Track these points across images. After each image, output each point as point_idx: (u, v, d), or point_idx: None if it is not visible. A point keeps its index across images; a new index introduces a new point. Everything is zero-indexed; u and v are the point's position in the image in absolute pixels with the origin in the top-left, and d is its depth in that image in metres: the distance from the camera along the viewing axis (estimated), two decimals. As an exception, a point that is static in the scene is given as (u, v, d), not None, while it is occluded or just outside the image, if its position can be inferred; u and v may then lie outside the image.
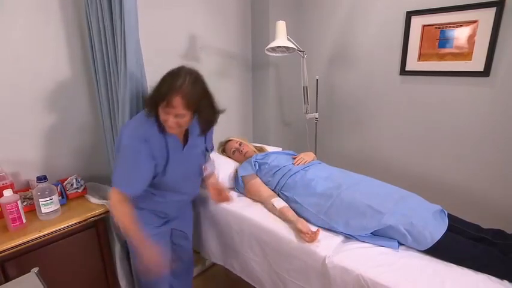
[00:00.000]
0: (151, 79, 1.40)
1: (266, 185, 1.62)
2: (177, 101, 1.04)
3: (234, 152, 1.84)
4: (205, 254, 1.72)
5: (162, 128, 1.14)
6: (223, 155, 1.91)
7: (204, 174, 1.41)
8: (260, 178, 1.65)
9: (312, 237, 1.24)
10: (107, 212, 1.38)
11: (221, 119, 2.31)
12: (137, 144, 1.11)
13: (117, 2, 1.24)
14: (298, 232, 1.29)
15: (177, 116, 1.07)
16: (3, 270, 1.15)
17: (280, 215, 1.43)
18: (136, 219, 1.14)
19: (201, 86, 1.12)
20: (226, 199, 1.42)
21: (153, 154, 1.15)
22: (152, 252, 1.12)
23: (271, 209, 1.48)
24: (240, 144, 1.85)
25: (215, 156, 1.86)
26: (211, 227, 1.64)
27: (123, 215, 1.12)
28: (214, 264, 2.12)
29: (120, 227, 1.15)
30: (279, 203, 1.46)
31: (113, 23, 1.31)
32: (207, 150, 1.43)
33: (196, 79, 1.10)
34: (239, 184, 1.67)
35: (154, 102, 1.08)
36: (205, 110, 1.15)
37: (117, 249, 1.47)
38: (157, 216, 1.33)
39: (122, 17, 1.23)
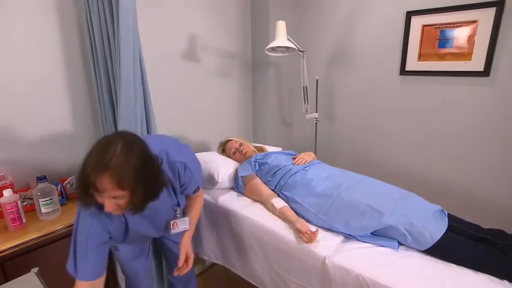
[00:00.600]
0: (152, 80, 1.41)
1: (266, 184, 1.62)
2: (105, 182, 0.81)
3: (234, 152, 1.84)
4: (204, 254, 1.72)
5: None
6: (223, 155, 1.91)
7: (173, 232, 1.17)
8: (260, 178, 1.65)
9: (311, 237, 1.24)
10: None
11: (221, 119, 2.33)
12: (94, 226, 0.98)
13: (114, 1, 1.24)
14: (298, 232, 1.29)
15: (113, 198, 0.86)
16: (3, 270, 1.15)
17: (280, 214, 1.43)
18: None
19: (138, 155, 0.87)
20: (188, 268, 1.18)
21: (111, 227, 1.02)
22: None
23: (271, 209, 1.48)
24: (240, 145, 1.85)
25: (215, 156, 1.86)
26: (211, 227, 1.64)
27: None
28: (214, 264, 2.12)
29: None
30: (278, 203, 1.46)
31: (113, 21, 1.30)
32: (179, 205, 1.20)
33: (130, 147, 0.86)
34: (239, 184, 1.67)
35: (83, 187, 0.84)
36: (147, 184, 0.89)
37: (117, 249, 1.47)
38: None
39: (118, 14, 1.23)
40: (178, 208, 1.19)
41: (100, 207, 0.91)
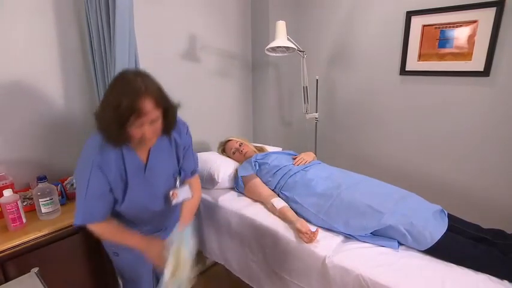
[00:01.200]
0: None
1: (266, 185, 1.62)
2: (148, 105, 0.89)
3: (234, 152, 1.84)
4: (206, 253, 1.72)
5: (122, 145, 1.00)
6: (223, 155, 1.91)
7: (174, 202, 1.15)
8: (260, 178, 1.65)
9: (311, 238, 1.24)
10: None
11: (221, 119, 2.33)
12: (93, 176, 0.98)
13: (111, 1, 1.24)
14: (298, 232, 1.29)
15: (151, 122, 0.93)
16: (3, 270, 1.15)
17: (280, 214, 1.43)
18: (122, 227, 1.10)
19: (154, 79, 0.97)
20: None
21: (109, 181, 1.02)
22: (156, 248, 1.06)
23: (271, 209, 1.48)
24: (240, 145, 1.85)
25: (215, 156, 1.86)
26: (211, 227, 1.64)
27: (106, 234, 1.09)
28: (214, 264, 2.12)
29: (112, 242, 1.14)
30: (278, 202, 1.46)
31: (109, 20, 1.30)
32: (183, 172, 1.21)
33: (147, 75, 0.96)
34: (239, 184, 1.67)
35: (119, 122, 0.89)
36: (169, 104, 1.00)
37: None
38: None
39: (114, 14, 1.23)
40: (178, 177, 1.18)
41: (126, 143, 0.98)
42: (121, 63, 1.30)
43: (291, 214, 1.40)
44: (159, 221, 1.25)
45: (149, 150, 1.09)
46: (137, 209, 1.12)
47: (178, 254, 1.05)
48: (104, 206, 1.05)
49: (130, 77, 0.91)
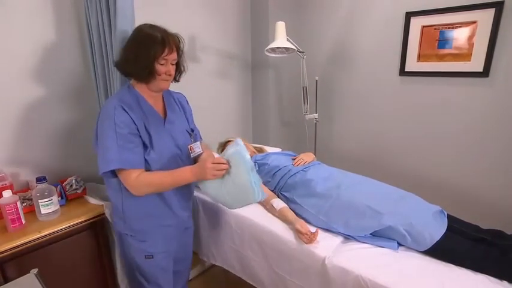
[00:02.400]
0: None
1: (265, 185, 1.61)
2: (175, 44, 1.09)
3: (233, 152, 1.84)
4: (203, 255, 1.72)
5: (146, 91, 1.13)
6: (223, 155, 1.91)
7: (192, 155, 1.25)
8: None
9: (311, 238, 1.24)
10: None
11: (221, 119, 2.33)
12: (118, 114, 1.04)
13: (112, 3, 1.24)
14: (297, 233, 1.29)
15: (172, 62, 1.11)
16: (2, 271, 1.15)
17: (280, 215, 1.43)
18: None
19: None
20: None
21: (134, 120, 1.08)
22: (213, 166, 1.07)
23: (271, 210, 1.48)
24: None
25: (214, 156, 1.86)
26: (210, 228, 1.64)
27: (154, 179, 1.08)
28: (213, 265, 2.12)
29: (162, 189, 1.13)
30: (278, 203, 1.46)
31: (110, 21, 1.30)
32: (193, 131, 1.33)
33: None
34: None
35: (152, 58, 1.04)
36: (182, 52, 1.17)
37: (117, 250, 1.47)
38: (170, 232, 1.27)
39: (116, 14, 1.22)
40: (192, 133, 1.30)
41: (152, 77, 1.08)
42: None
43: (290, 215, 1.40)
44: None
45: (164, 107, 1.22)
46: (167, 158, 1.16)
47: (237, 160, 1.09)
48: (138, 150, 1.07)
49: (154, 26, 1.09)
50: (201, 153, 1.28)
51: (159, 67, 1.07)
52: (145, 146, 1.10)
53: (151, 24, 1.10)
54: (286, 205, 1.46)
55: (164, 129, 1.18)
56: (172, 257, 1.30)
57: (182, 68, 1.22)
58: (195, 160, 1.27)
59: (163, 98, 1.23)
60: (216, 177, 1.09)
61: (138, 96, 1.13)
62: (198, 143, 1.29)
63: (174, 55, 1.10)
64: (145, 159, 1.10)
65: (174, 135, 1.20)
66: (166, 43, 1.05)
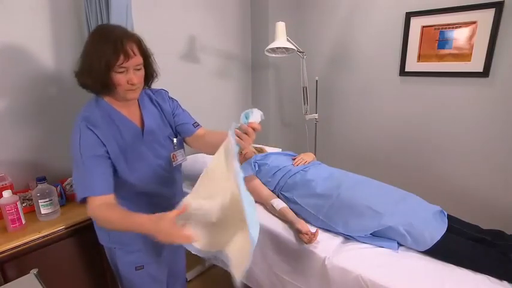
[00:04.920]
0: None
1: (266, 185, 1.61)
2: (133, 48, 0.92)
3: (233, 152, 1.84)
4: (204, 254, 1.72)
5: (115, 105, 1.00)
6: (223, 155, 1.91)
7: (174, 164, 1.15)
8: (260, 179, 1.65)
9: (311, 238, 1.24)
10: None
11: (220, 119, 2.33)
12: (83, 134, 0.94)
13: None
14: (298, 233, 1.29)
15: (135, 68, 0.95)
16: (2, 272, 1.14)
17: (280, 215, 1.43)
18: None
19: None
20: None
21: (104, 141, 0.96)
22: (171, 226, 0.84)
23: (271, 209, 1.48)
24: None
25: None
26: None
27: (112, 217, 0.91)
28: (213, 266, 2.11)
29: (117, 229, 0.97)
30: (278, 203, 1.46)
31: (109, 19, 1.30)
32: (176, 136, 1.18)
33: (125, 27, 1.00)
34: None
35: (104, 68, 0.89)
36: (149, 53, 1.02)
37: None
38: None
39: (110, 13, 1.23)
40: (175, 139, 1.16)
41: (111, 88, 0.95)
42: None
43: (290, 215, 1.39)
44: (169, 187, 1.18)
45: (141, 115, 1.08)
46: (147, 173, 1.06)
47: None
48: (104, 174, 0.95)
49: (110, 27, 0.97)
50: (185, 161, 1.19)
51: (117, 77, 0.92)
52: (119, 166, 0.99)
53: (106, 25, 0.98)
54: (286, 205, 1.46)
55: (143, 141, 1.06)
56: (165, 264, 1.23)
57: (152, 74, 1.07)
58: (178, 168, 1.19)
59: (139, 104, 1.09)
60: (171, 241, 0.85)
61: (108, 108, 1.00)
62: (182, 150, 1.19)
63: (136, 60, 0.94)
64: (123, 178, 1.01)
65: (156, 146, 1.10)
66: (119, 49, 0.89)
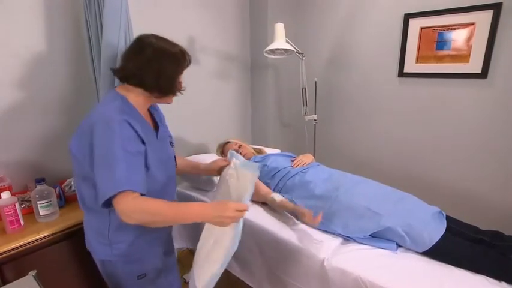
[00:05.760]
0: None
1: (265, 186, 1.62)
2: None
3: (232, 153, 1.84)
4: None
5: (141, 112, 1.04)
6: (222, 156, 1.91)
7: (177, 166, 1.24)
8: (259, 180, 1.65)
9: (315, 219, 1.25)
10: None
11: (220, 120, 2.33)
12: (125, 129, 0.92)
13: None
14: (300, 214, 1.31)
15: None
16: (1, 273, 1.14)
17: (280, 206, 1.44)
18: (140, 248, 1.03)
19: None
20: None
21: (144, 139, 0.98)
22: (233, 213, 0.91)
23: (271, 202, 1.48)
24: (239, 146, 1.85)
25: (214, 158, 1.85)
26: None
27: (153, 206, 0.89)
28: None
29: (161, 220, 0.92)
30: (278, 196, 1.47)
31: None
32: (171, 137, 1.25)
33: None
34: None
35: (177, 74, 1.04)
36: None
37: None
38: (159, 244, 1.16)
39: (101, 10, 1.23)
40: (173, 142, 1.24)
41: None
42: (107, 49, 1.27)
43: (290, 205, 1.41)
44: (174, 188, 1.21)
45: (153, 118, 1.14)
46: (161, 175, 1.06)
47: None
48: (143, 169, 0.94)
49: (163, 39, 1.05)
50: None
51: (179, 82, 1.07)
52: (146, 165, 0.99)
53: (159, 36, 1.05)
54: (285, 199, 1.47)
55: (157, 142, 1.09)
56: (163, 263, 1.18)
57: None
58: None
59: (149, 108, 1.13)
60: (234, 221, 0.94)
61: (133, 108, 1.02)
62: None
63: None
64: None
65: (165, 147, 1.16)
66: (187, 57, 1.06)
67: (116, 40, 1.26)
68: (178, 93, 1.08)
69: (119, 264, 1.07)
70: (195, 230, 1.66)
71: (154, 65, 0.99)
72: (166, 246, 1.22)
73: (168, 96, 1.07)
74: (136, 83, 1.01)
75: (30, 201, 1.33)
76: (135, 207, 0.87)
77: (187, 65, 1.07)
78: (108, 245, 1.04)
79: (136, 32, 1.37)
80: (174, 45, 1.05)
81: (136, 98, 1.03)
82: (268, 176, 1.63)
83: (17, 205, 1.20)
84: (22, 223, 1.23)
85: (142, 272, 1.10)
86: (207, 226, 1.19)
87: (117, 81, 1.26)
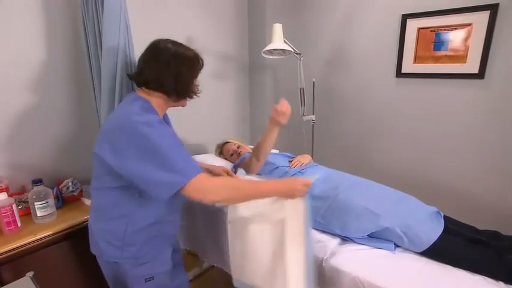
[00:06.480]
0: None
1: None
2: None
3: (231, 154, 1.84)
4: (203, 256, 1.72)
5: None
6: (221, 157, 1.91)
7: None
8: (257, 180, 1.65)
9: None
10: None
11: (218, 121, 2.33)
12: (163, 127, 0.98)
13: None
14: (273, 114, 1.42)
15: None
16: (-3, 275, 1.14)
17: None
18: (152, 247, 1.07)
19: None
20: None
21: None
22: (298, 181, 1.06)
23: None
24: (237, 147, 1.85)
25: (212, 159, 1.86)
26: (208, 230, 1.64)
27: (238, 181, 1.06)
28: (211, 267, 2.11)
29: (241, 196, 1.03)
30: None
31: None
32: None
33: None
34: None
35: (193, 78, 1.11)
36: None
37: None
38: (168, 247, 1.20)
39: (100, 14, 1.23)
40: None
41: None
42: (108, 55, 1.28)
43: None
44: None
45: (166, 121, 1.19)
46: None
47: None
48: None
49: (179, 43, 1.11)
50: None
51: (195, 85, 1.12)
52: None
53: (174, 41, 1.11)
54: None
55: None
56: (171, 266, 1.20)
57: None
58: None
59: None
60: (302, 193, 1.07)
61: (156, 111, 1.06)
62: None
63: None
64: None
65: None
66: (200, 61, 1.12)
67: (116, 44, 1.26)
68: (194, 96, 1.13)
69: (128, 266, 1.08)
70: (192, 231, 1.66)
71: (172, 70, 1.03)
72: (173, 248, 1.24)
73: (185, 99, 1.12)
74: (156, 88, 1.05)
75: (27, 202, 1.33)
76: (222, 184, 0.99)
77: (201, 68, 1.13)
78: (119, 247, 1.05)
79: (135, 33, 1.38)
80: (189, 49, 1.09)
81: (157, 101, 1.06)
82: (266, 173, 1.63)
83: (14, 206, 1.19)
84: (19, 224, 1.23)
85: (150, 275, 1.11)
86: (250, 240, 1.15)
87: (118, 86, 1.27)
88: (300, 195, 1.06)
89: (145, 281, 1.10)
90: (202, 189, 0.93)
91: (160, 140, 0.92)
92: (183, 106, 1.16)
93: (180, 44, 1.10)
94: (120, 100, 1.28)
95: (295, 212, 1.06)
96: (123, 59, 1.28)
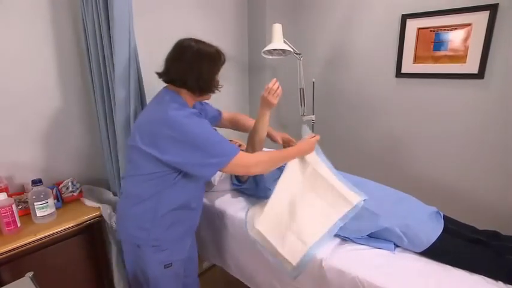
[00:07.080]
0: (149, 82, 1.41)
1: (261, 183, 1.62)
2: None
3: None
4: (203, 255, 1.72)
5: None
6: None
7: None
8: (257, 180, 1.65)
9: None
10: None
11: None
12: (199, 118, 1.11)
13: (109, 3, 1.24)
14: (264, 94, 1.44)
15: None
16: (-3, 275, 1.14)
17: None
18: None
19: None
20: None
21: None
22: (311, 141, 1.44)
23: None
24: (238, 146, 1.85)
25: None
26: (208, 229, 1.64)
27: (271, 153, 1.24)
28: (212, 267, 2.11)
29: (277, 162, 1.26)
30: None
31: (108, 23, 1.30)
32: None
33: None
34: (234, 183, 1.68)
35: (215, 74, 1.18)
36: None
37: (114, 252, 1.46)
38: (189, 236, 1.33)
39: (112, 17, 1.23)
40: None
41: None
42: (121, 67, 1.31)
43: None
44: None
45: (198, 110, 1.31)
46: None
47: None
48: None
49: (200, 40, 1.20)
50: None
51: (216, 81, 1.19)
52: None
53: (197, 39, 1.20)
54: None
55: None
56: (186, 256, 1.30)
57: None
58: None
59: None
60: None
61: (187, 105, 1.17)
62: None
63: None
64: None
65: None
66: (222, 57, 1.18)
67: (127, 56, 1.31)
68: (216, 91, 1.20)
69: (150, 252, 1.17)
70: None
71: (194, 69, 1.12)
72: (192, 238, 1.37)
73: (208, 94, 1.20)
74: (181, 85, 1.14)
75: (27, 202, 1.33)
76: (260, 158, 1.19)
77: (222, 64, 1.19)
78: (147, 229, 1.15)
79: (138, 34, 1.38)
80: (211, 46, 1.18)
81: (186, 96, 1.17)
82: (266, 174, 1.63)
83: (13, 206, 1.19)
84: (19, 224, 1.23)
85: (169, 262, 1.21)
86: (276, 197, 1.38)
87: (122, 91, 1.32)
88: (313, 149, 1.44)
89: (165, 267, 1.20)
90: (244, 165, 1.13)
91: (200, 129, 1.07)
92: (207, 100, 1.27)
93: (203, 42, 1.18)
94: (136, 107, 1.37)
95: (314, 158, 1.46)
96: (134, 67, 1.34)
